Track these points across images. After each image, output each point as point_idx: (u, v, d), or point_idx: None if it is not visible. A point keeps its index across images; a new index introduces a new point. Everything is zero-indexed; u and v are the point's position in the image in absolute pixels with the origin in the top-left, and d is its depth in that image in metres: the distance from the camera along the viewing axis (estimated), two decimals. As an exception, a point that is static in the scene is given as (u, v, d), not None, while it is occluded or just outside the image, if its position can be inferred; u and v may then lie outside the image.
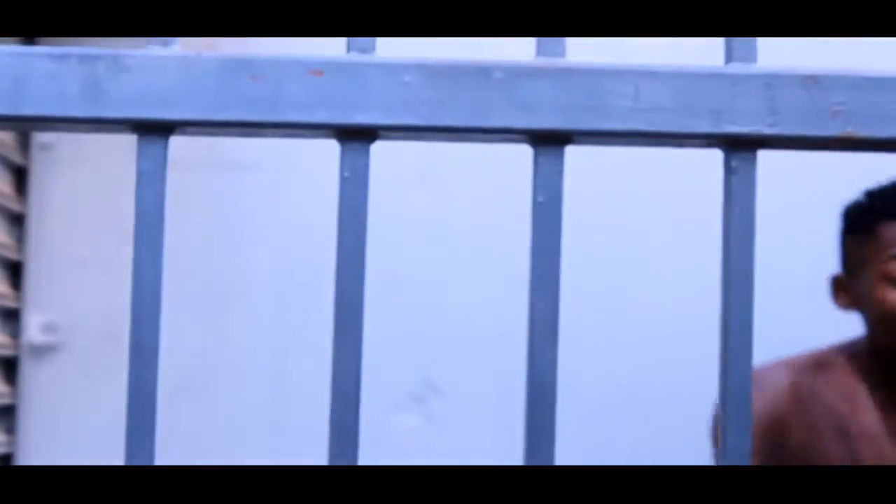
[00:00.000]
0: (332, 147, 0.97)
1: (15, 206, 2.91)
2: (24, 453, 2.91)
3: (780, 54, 2.35)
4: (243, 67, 0.95)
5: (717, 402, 2.01)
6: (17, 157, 2.91)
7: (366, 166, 0.96)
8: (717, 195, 0.99)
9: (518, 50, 1.19)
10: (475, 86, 0.95)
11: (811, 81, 0.96)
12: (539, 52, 0.96)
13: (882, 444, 2.23)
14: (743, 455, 0.95)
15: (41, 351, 2.92)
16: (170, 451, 1.91)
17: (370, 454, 1.51)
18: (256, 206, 2.93)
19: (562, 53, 0.96)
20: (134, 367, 0.95)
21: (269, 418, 2.91)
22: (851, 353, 2.27)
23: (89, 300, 2.91)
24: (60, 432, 2.91)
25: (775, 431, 2.24)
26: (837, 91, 0.96)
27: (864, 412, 2.24)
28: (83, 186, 2.92)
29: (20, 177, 2.95)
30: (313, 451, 2.14)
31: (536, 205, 0.96)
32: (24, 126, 0.97)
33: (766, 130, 0.96)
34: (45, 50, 0.94)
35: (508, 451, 1.98)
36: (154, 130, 0.95)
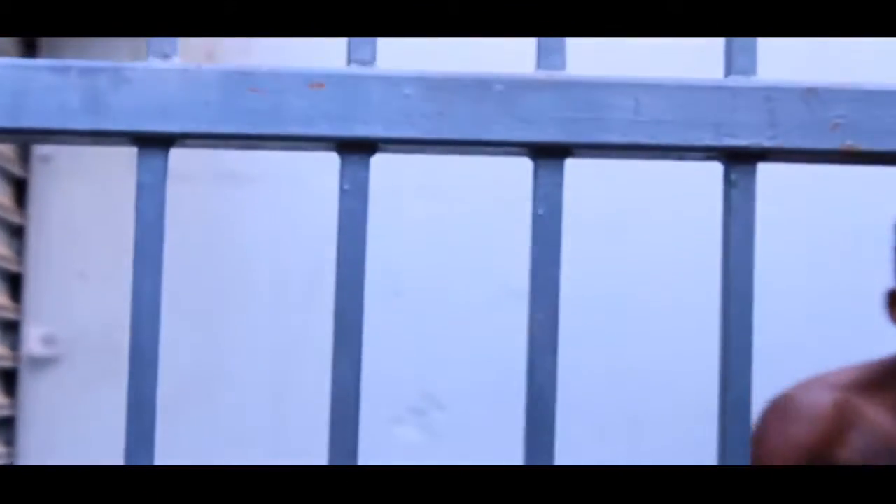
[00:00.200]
0: (332, 159, 0.97)
1: (15, 218, 2.91)
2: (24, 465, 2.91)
3: (780, 67, 2.35)
4: (244, 80, 0.95)
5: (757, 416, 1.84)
6: (16, 169, 2.91)
7: (366, 179, 0.96)
8: (717, 208, 0.99)
9: (518, 60, 1.19)
10: (475, 98, 0.95)
11: (811, 94, 0.96)
12: (539, 65, 0.96)
13: None
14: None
15: (41, 363, 2.92)
16: (168, 462, 1.90)
17: (370, 467, 1.50)
18: (256, 218, 2.93)
19: (562, 66, 0.96)
20: (133, 379, 0.95)
21: (269, 430, 2.90)
22: None
23: (89, 312, 2.91)
24: (60, 444, 2.90)
25: (817, 460, 2.02)
26: (837, 104, 0.96)
27: None
28: (83, 198, 2.92)
29: (20, 189, 2.95)
30: (314, 463, 2.13)
31: (536, 217, 0.96)
32: (25, 138, 0.97)
33: (767, 143, 0.96)
34: (46, 63, 0.94)
35: (508, 463, 1.97)
36: (154, 143, 0.95)
